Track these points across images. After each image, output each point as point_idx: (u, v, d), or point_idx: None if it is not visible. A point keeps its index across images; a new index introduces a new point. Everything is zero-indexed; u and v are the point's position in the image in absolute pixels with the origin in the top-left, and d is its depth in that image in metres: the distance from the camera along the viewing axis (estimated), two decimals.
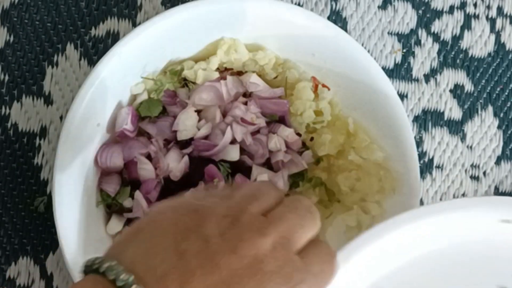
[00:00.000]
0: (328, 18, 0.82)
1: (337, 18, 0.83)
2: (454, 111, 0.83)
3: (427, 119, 0.83)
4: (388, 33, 0.83)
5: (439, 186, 0.82)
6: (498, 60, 0.84)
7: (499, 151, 0.83)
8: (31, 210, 0.79)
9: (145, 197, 0.73)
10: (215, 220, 0.49)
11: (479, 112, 0.83)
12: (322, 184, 0.76)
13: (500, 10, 0.84)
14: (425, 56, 0.83)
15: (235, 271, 0.47)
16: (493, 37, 0.84)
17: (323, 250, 0.51)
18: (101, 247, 0.74)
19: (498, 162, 0.83)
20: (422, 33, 0.83)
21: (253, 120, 0.74)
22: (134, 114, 0.75)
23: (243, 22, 0.75)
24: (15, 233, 0.79)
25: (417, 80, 0.83)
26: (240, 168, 0.74)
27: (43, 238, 0.79)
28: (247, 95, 0.77)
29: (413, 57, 0.83)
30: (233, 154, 0.74)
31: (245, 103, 0.75)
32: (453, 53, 0.84)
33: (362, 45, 0.81)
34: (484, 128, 0.83)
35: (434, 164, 0.82)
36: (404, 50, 0.83)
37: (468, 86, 0.83)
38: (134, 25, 0.82)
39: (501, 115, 0.83)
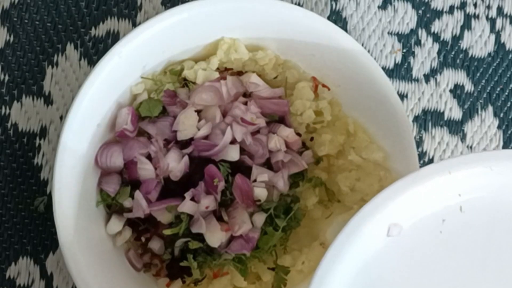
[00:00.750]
0: (328, 18, 0.82)
1: (337, 18, 0.83)
2: (454, 111, 0.83)
3: (427, 119, 0.83)
4: (388, 33, 0.83)
5: None
6: (498, 60, 0.84)
7: None
8: (31, 210, 0.79)
9: (145, 197, 0.73)
10: None
11: (479, 112, 0.83)
12: (322, 184, 0.76)
13: (500, 10, 0.84)
14: (425, 56, 0.83)
15: None
16: (493, 37, 0.84)
17: None
18: (101, 247, 0.74)
19: None
20: (422, 33, 0.83)
21: (253, 120, 0.74)
22: (134, 114, 0.75)
23: (243, 22, 0.75)
24: (15, 233, 0.79)
25: (417, 80, 0.83)
26: (240, 168, 0.74)
27: (43, 238, 0.79)
28: (247, 95, 0.77)
29: (413, 57, 0.83)
30: (233, 154, 0.74)
31: (245, 103, 0.75)
32: (453, 53, 0.84)
33: (362, 45, 0.81)
34: (484, 128, 0.83)
35: None
36: (404, 50, 0.83)
37: (468, 86, 0.83)
38: (134, 25, 0.82)
39: (501, 115, 0.83)
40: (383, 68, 0.79)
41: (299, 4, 0.83)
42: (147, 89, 0.76)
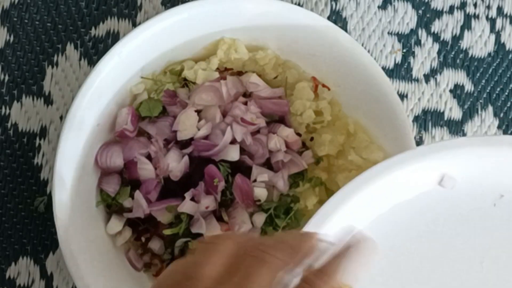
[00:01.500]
0: (328, 18, 0.82)
1: (337, 18, 0.83)
2: (454, 111, 0.83)
3: (427, 119, 0.83)
4: (388, 33, 0.83)
5: None
6: (498, 60, 0.84)
7: None
8: (31, 210, 0.79)
9: (145, 197, 0.73)
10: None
11: (479, 112, 0.83)
12: (322, 184, 0.76)
13: (500, 10, 0.84)
14: (425, 56, 0.83)
15: None
16: (493, 37, 0.84)
17: None
18: (101, 247, 0.74)
19: None
20: (422, 33, 0.83)
21: (253, 120, 0.74)
22: (134, 114, 0.75)
23: (243, 22, 0.75)
24: (15, 233, 0.79)
25: (417, 80, 0.83)
26: (240, 168, 0.74)
27: (43, 238, 0.79)
28: (247, 95, 0.77)
29: (413, 57, 0.83)
30: (233, 154, 0.74)
31: (245, 103, 0.75)
32: (453, 53, 0.84)
33: (362, 45, 0.81)
34: (484, 128, 0.83)
35: None
36: (404, 50, 0.83)
37: (468, 86, 0.83)
38: (134, 25, 0.82)
39: (501, 115, 0.83)
40: (383, 68, 0.79)
41: (299, 4, 0.83)
42: (147, 89, 0.76)
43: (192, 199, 0.73)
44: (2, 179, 0.80)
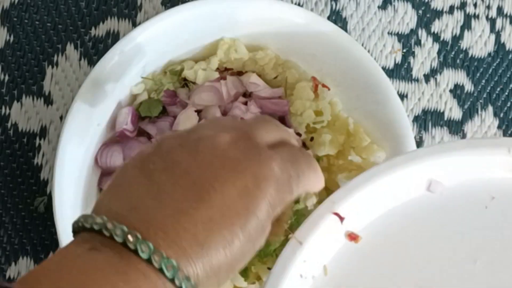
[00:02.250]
0: (328, 18, 0.82)
1: (337, 18, 0.83)
2: (454, 111, 0.83)
3: (427, 119, 0.83)
4: (388, 33, 0.83)
5: None
6: (498, 60, 0.84)
7: None
8: (31, 210, 0.79)
9: None
10: (173, 140, 0.49)
11: (479, 112, 0.83)
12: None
13: (500, 10, 0.84)
14: (425, 56, 0.83)
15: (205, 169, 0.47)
16: (493, 37, 0.84)
17: (293, 150, 0.52)
18: None
19: None
20: (422, 33, 0.83)
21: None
22: (134, 114, 0.75)
23: (243, 22, 0.75)
24: (15, 233, 0.79)
25: (417, 80, 0.83)
26: None
27: (43, 238, 0.79)
28: (247, 95, 0.77)
29: (413, 57, 0.83)
30: None
31: (245, 103, 0.75)
32: (453, 53, 0.84)
33: (362, 45, 0.81)
34: (484, 128, 0.83)
35: None
36: (404, 50, 0.83)
37: (468, 86, 0.83)
38: (134, 25, 0.82)
39: (501, 115, 0.83)
40: (383, 68, 0.79)
41: (299, 4, 0.83)
42: (147, 89, 0.76)
43: None
44: (2, 179, 0.80)
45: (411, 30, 0.83)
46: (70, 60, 0.81)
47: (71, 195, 0.72)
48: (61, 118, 0.81)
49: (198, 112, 0.75)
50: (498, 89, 0.83)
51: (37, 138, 0.80)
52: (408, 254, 0.57)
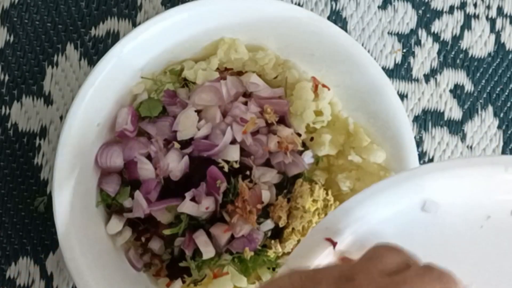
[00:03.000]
0: (328, 18, 0.82)
1: (337, 18, 0.83)
2: (454, 111, 0.83)
3: (427, 119, 0.83)
4: (388, 33, 0.83)
5: None
6: (498, 60, 0.84)
7: (499, 151, 0.83)
8: (31, 210, 0.79)
9: (145, 197, 0.73)
10: (327, 282, 0.47)
11: (479, 112, 0.83)
12: (322, 185, 0.76)
13: (500, 10, 0.84)
14: (425, 56, 0.83)
15: None
16: (493, 37, 0.84)
17: None
18: (101, 247, 0.74)
19: None
20: (422, 33, 0.83)
21: (253, 120, 0.74)
22: (134, 114, 0.75)
23: (243, 22, 0.75)
24: (15, 233, 0.79)
25: (417, 80, 0.83)
26: (240, 168, 0.74)
27: (43, 238, 0.79)
28: (247, 95, 0.77)
29: (413, 57, 0.83)
30: (233, 154, 0.74)
31: (245, 103, 0.75)
32: (453, 53, 0.84)
33: (362, 45, 0.81)
34: (484, 128, 0.83)
35: None
36: (404, 50, 0.83)
37: (468, 86, 0.83)
38: (134, 25, 0.82)
39: (501, 115, 0.83)
40: (383, 68, 0.79)
41: (299, 4, 0.83)
42: (147, 89, 0.76)
43: (193, 199, 0.73)
44: (2, 179, 0.80)
45: (411, 30, 0.83)
46: (70, 60, 0.81)
47: (71, 195, 0.72)
48: (61, 118, 0.81)
49: (198, 112, 0.75)
50: (498, 89, 0.83)
51: (37, 138, 0.80)
52: None
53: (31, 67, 0.81)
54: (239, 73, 0.77)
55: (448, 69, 0.83)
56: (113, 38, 0.82)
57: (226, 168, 0.73)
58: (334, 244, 0.56)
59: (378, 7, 0.83)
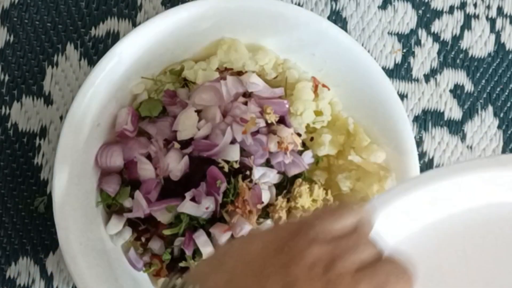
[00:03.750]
0: (328, 18, 0.82)
1: (337, 18, 0.83)
2: (454, 111, 0.83)
3: (427, 119, 0.83)
4: (388, 33, 0.83)
5: None
6: (498, 60, 0.84)
7: (499, 151, 0.83)
8: (31, 210, 0.79)
9: (145, 197, 0.73)
10: (303, 267, 0.47)
11: (479, 112, 0.83)
12: (322, 185, 0.76)
13: (500, 10, 0.84)
14: (425, 56, 0.83)
15: None
16: (493, 37, 0.84)
17: None
18: (101, 247, 0.74)
19: None
20: (422, 33, 0.83)
21: (253, 120, 0.74)
22: (134, 114, 0.75)
23: (243, 22, 0.75)
24: (15, 233, 0.79)
25: (417, 80, 0.83)
26: (240, 168, 0.74)
27: (43, 238, 0.79)
28: (247, 95, 0.77)
29: (413, 57, 0.83)
30: (233, 154, 0.74)
31: (245, 103, 0.75)
32: (453, 53, 0.84)
33: (362, 45, 0.81)
34: (484, 128, 0.83)
35: (434, 164, 0.82)
36: (404, 50, 0.83)
37: (468, 86, 0.83)
38: (134, 25, 0.82)
39: (501, 115, 0.83)
40: (383, 68, 0.79)
41: (299, 4, 0.83)
42: (147, 89, 0.76)
43: (193, 199, 0.73)
44: (2, 179, 0.80)
45: (411, 30, 0.83)
46: (70, 60, 0.81)
47: (71, 195, 0.72)
48: (61, 118, 0.81)
49: (198, 112, 0.75)
50: (498, 89, 0.83)
51: (37, 138, 0.80)
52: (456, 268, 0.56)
53: (31, 67, 0.81)
54: (239, 73, 0.77)
55: (448, 69, 0.83)
56: (113, 38, 0.82)
57: (226, 168, 0.73)
58: None
59: (378, 7, 0.83)
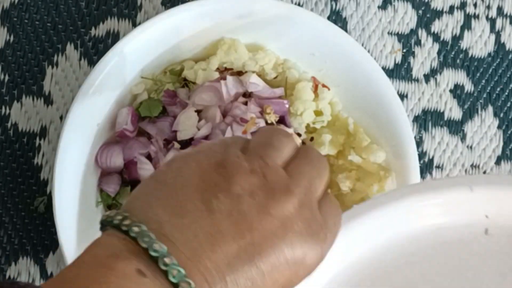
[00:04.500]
0: (328, 18, 0.82)
1: (337, 18, 0.83)
2: (454, 111, 0.83)
3: (427, 119, 0.83)
4: (388, 33, 0.83)
5: None
6: (498, 60, 0.84)
7: (499, 151, 0.83)
8: (31, 210, 0.79)
9: None
10: (243, 177, 0.46)
11: (479, 112, 0.83)
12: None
13: (500, 10, 0.84)
14: (425, 56, 0.83)
15: (267, 232, 0.45)
16: (493, 37, 0.84)
17: (333, 202, 0.50)
18: None
19: (498, 162, 0.83)
20: (422, 33, 0.83)
21: (253, 120, 0.74)
22: (134, 114, 0.75)
23: (243, 22, 0.75)
24: (15, 233, 0.79)
25: (417, 80, 0.83)
26: None
27: (43, 238, 0.79)
28: (247, 95, 0.77)
29: (413, 57, 0.83)
30: None
31: (245, 103, 0.75)
32: (453, 53, 0.84)
33: (362, 45, 0.81)
34: (484, 128, 0.83)
35: (434, 164, 0.82)
36: (404, 50, 0.83)
37: (468, 86, 0.83)
38: (134, 25, 0.82)
39: (501, 115, 0.83)
40: (383, 68, 0.79)
41: (299, 4, 0.83)
42: (147, 89, 0.76)
43: None
44: (2, 179, 0.80)
45: (411, 30, 0.83)
46: (70, 60, 0.81)
47: (71, 195, 0.72)
48: (61, 118, 0.81)
49: (198, 112, 0.75)
50: (498, 89, 0.83)
51: (37, 138, 0.80)
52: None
53: (31, 67, 0.81)
54: (239, 73, 0.77)
55: (448, 69, 0.83)
56: (113, 38, 0.82)
57: None
58: None
59: (378, 7, 0.83)
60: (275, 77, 0.77)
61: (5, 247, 0.79)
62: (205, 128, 0.74)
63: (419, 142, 0.82)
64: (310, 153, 0.50)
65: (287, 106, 0.76)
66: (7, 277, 0.79)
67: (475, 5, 0.84)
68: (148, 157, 0.74)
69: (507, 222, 0.55)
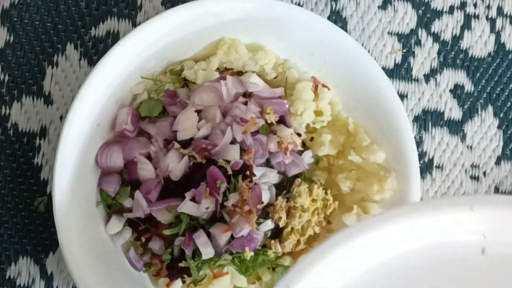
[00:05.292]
0: (328, 18, 0.82)
1: (337, 18, 0.83)
2: (454, 111, 0.83)
3: (427, 119, 0.83)
4: (388, 33, 0.83)
5: (439, 186, 0.82)
6: (498, 60, 0.84)
7: (499, 151, 0.83)
8: (31, 210, 0.79)
9: (145, 197, 0.73)
10: None
11: (479, 112, 0.83)
12: (321, 185, 0.76)
13: (500, 10, 0.84)
14: (425, 56, 0.83)
15: None
16: (493, 37, 0.84)
17: None
18: (101, 247, 0.74)
19: (498, 162, 0.83)
20: (422, 33, 0.83)
21: (253, 120, 0.74)
22: (134, 114, 0.75)
23: (243, 22, 0.75)
24: (15, 233, 0.79)
25: (417, 80, 0.83)
26: (240, 168, 0.74)
27: (43, 238, 0.79)
28: (247, 95, 0.77)
29: (413, 57, 0.83)
30: (233, 154, 0.74)
31: (245, 103, 0.75)
32: (453, 53, 0.84)
33: (362, 45, 0.81)
34: (484, 128, 0.83)
35: (434, 164, 0.82)
36: (404, 50, 0.83)
37: (468, 86, 0.83)
38: (134, 25, 0.82)
39: (501, 115, 0.83)
40: (383, 68, 0.79)
41: (299, 4, 0.83)
42: (147, 89, 0.76)
43: (193, 199, 0.73)
44: (2, 179, 0.80)
45: (411, 30, 0.83)
46: (70, 60, 0.81)
47: (71, 195, 0.72)
48: (61, 118, 0.81)
49: (198, 112, 0.75)
50: (498, 89, 0.83)
51: (37, 138, 0.80)
52: None
53: (31, 67, 0.81)
54: (239, 73, 0.77)
55: (448, 69, 0.83)
56: (113, 38, 0.82)
57: (229, 170, 0.73)
58: None
59: (378, 7, 0.83)
60: (275, 77, 0.77)
61: (5, 247, 0.79)
62: (205, 128, 0.74)
63: (419, 142, 0.82)
64: None
65: (287, 106, 0.76)
66: (7, 277, 0.79)
67: (475, 5, 0.84)
68: (148, 157, 0.74)
69: (503, 242, 0.56)
